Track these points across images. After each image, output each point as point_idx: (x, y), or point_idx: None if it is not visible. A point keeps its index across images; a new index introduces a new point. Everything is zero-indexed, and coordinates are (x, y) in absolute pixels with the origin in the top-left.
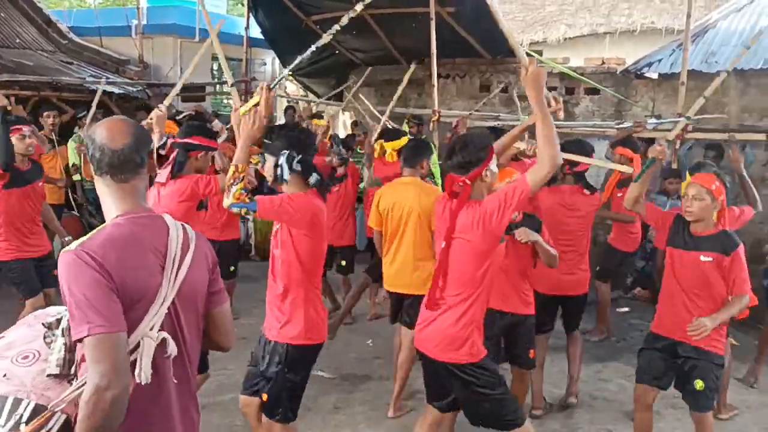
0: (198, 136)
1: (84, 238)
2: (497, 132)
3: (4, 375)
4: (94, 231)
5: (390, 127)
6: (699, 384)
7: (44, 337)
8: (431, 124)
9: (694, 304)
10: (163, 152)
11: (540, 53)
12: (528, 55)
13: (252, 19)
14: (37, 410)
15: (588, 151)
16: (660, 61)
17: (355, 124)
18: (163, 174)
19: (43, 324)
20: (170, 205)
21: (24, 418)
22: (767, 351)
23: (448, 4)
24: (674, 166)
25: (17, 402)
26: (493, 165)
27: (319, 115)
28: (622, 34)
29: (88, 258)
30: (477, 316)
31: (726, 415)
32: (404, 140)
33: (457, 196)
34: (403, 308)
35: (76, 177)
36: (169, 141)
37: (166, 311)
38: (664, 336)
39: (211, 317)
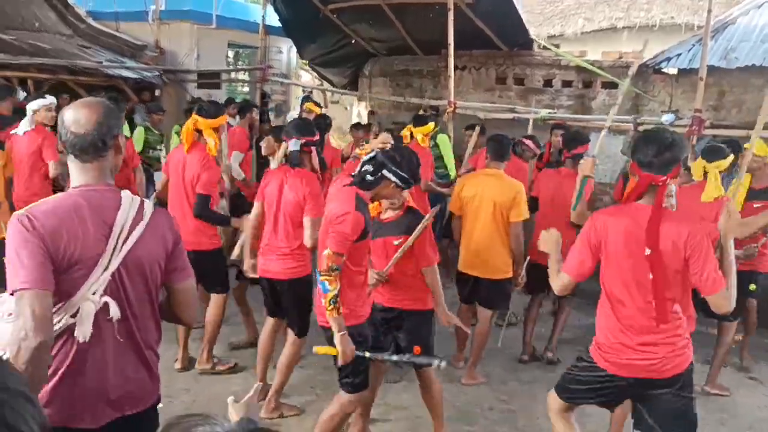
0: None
1: (33, 204)
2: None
3: None
4: (46, 198)
5: None
6: None
7: None
8: (446, 115)
9: None
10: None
11: (557, 46)
12: (545, 48)
13: (269, 7)
14: None
15: (584, 141)
16: (679, 56)
17: (371, 113)
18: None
19: None
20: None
21: None
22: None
23: None
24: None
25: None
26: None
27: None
28: (640, 29)
29: (27, 222)
30: None
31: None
32: (431, 126)
33: (641, 197)
34: (480, 290)
35: None
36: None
37: (110, 277)
38: None
39: (172, 292)
